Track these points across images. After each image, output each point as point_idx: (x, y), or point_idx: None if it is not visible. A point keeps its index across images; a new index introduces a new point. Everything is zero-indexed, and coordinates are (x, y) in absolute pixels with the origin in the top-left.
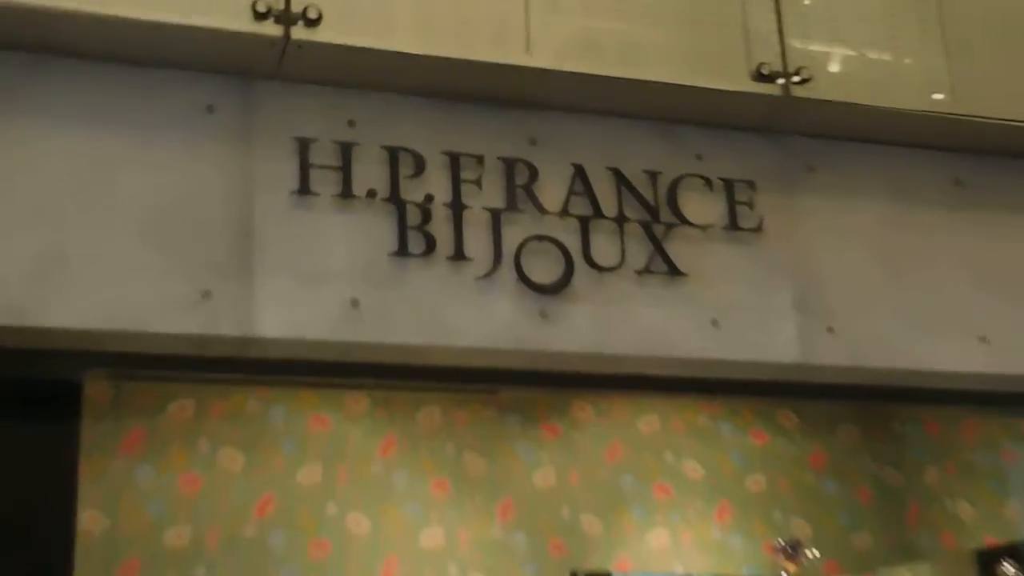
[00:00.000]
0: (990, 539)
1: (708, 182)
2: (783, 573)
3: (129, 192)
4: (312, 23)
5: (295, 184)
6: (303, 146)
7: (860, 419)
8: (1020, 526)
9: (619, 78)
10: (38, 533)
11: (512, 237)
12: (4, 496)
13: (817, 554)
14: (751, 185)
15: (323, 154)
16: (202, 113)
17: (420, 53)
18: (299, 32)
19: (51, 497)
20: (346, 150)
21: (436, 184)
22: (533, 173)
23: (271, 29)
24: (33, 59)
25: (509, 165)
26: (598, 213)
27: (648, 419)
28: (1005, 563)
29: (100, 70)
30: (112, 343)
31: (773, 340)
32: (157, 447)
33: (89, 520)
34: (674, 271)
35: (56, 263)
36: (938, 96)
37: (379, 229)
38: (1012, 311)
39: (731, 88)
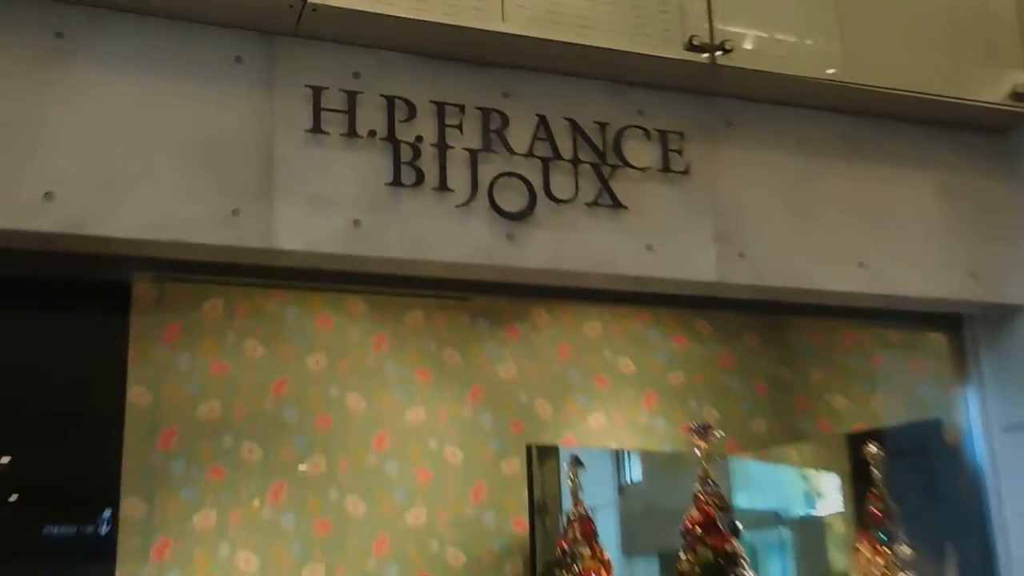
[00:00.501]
0: (859, 425)
1: (647, 132)
2: (696, 449)
3: (172, 127)
4: None
5: (309, 124)
6: (316, 93)
7: (761, 328)
8: (883, 416)
9: (577, 44)
10: (97, 405)
11: (486, 173)
12: (69, 376)
13: (722, 434)
14: (681, 136)
15: (332, 100)
16: (231, 63)
17: (415, 18)
18: None
19: (107, 376)
20: (351, 97)
21: (425, 127)
22: (505, 121)
23: None
24: (95, 13)
25: (485, 113)
26: (557, 155)
27: (592, 324)
28: (870, 444)
29: (150, 24)
30: (156, 251)
31: (695, 263)
32: (193, 338)
33: (137, 395)
34: (617, 204)
35: (112, 184)
36: (831, 70)
37: (378, 163)
38: (886, 243)
39: (668, 56)
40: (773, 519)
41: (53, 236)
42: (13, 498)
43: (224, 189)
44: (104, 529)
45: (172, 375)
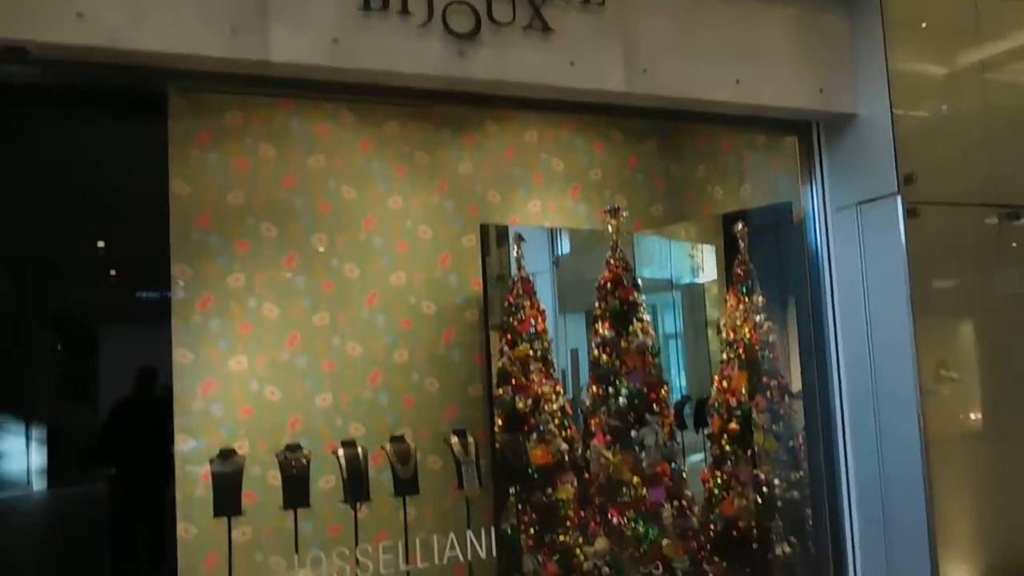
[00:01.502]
0: (730, 209)
1: None
2: (608, 226)
3: None
4: None
5: None
6: None
7: (660, 136)
8: (748, 201)
9: None
10: (143, 198)
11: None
12: (119, 174)
13: (628, 215)
14: None
15: None
16: None
17: None
18: None
19: (152, 172)
20: None
21: None
22: None
23: None
24: None
25: None
26: None
27: (531, 132)
28: (737, 223)
29: None
30: (176, 63)
31: (608, 76)
32: (219, 141)
33: (177, 187)
34: (547, 28)
35: (133, 5)
36: None
37: None
38: (756, 65)
39: None
40: (667, 285)
41: (86, 49)
42: (112, 272)
43: (228, 12)
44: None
45: (205, 171)
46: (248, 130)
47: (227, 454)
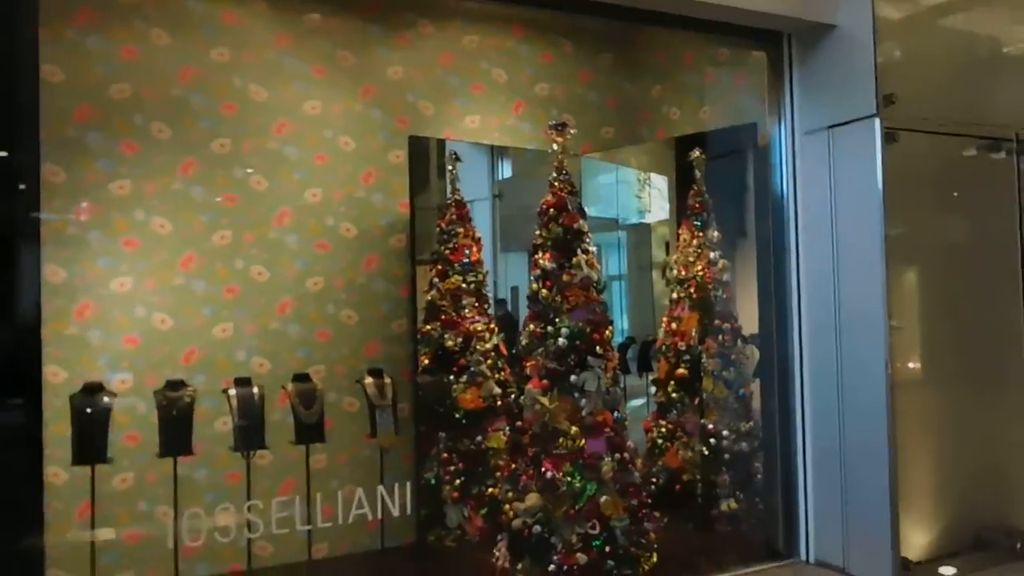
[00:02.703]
0: (688, 132)
1: None
2: (553, 144)
3: None
4: None
5: None
6: None
7: (615, 49)
8: (709, 124)
9: None
10: (10, 81)
11: None
12: None
13: (575, 131)
14: None
15: None
16: None
17: None
18: None
19: (19, 54)
20: None
21: None
22: None
23: None
24: None
25: None
26: None
27: (471, 38)
28: (694, 149)
29: None
30: None
31: None
32: (102, 23)
33: (48, 73)
34: None
35: None
36: None
37: None
38: None
39: None
40: (613, 224)
41: None
42: None
43: None
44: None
45: (83, 57)
46: (138, 11)
47: (92, 389)
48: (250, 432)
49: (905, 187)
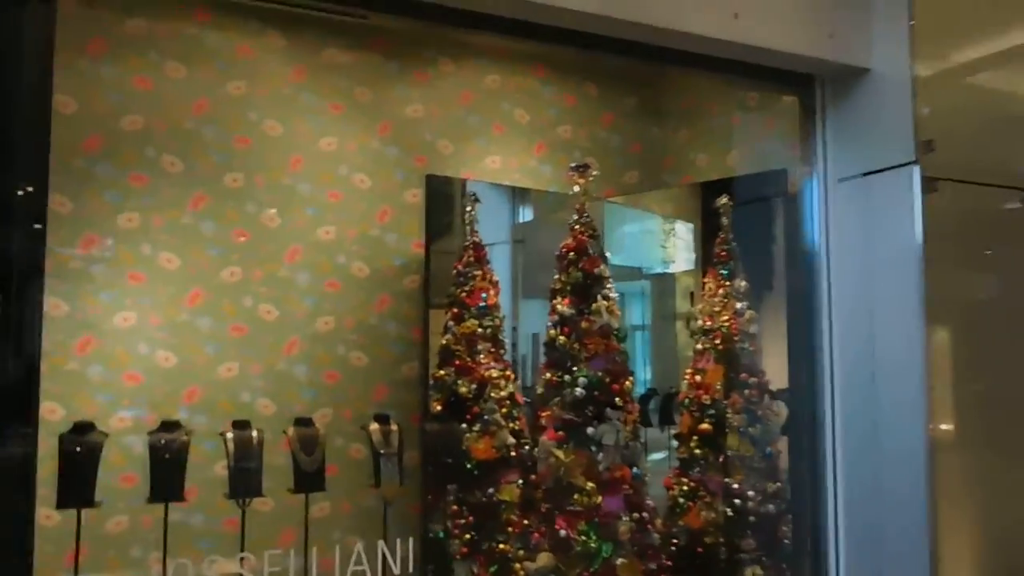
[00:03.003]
0: (714, 177)
1: None
2: (575, 186)
3: None
4: None
5: None
6: None
7: (640, 93)
8: (737, 170)
9: None
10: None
11: None
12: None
13: (598, 172)
14: None
15: None
16: None
17: None
18: None
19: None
20: None
21: None
22: None
23: None
24: None
25: None
26: None
27: (492, 77)
28: (722, 196)
29: None
30: None
31: None
32: (116, 53)
33: (61, 103)
34: None
35: None
36: None
37: None
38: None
39: None
40: (637, 274)
41: None
42: None
43: None
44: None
45: (96, 86)
46: (153, 43)
47: (83, 428)
48: (245, 478)
49: (943, 239)
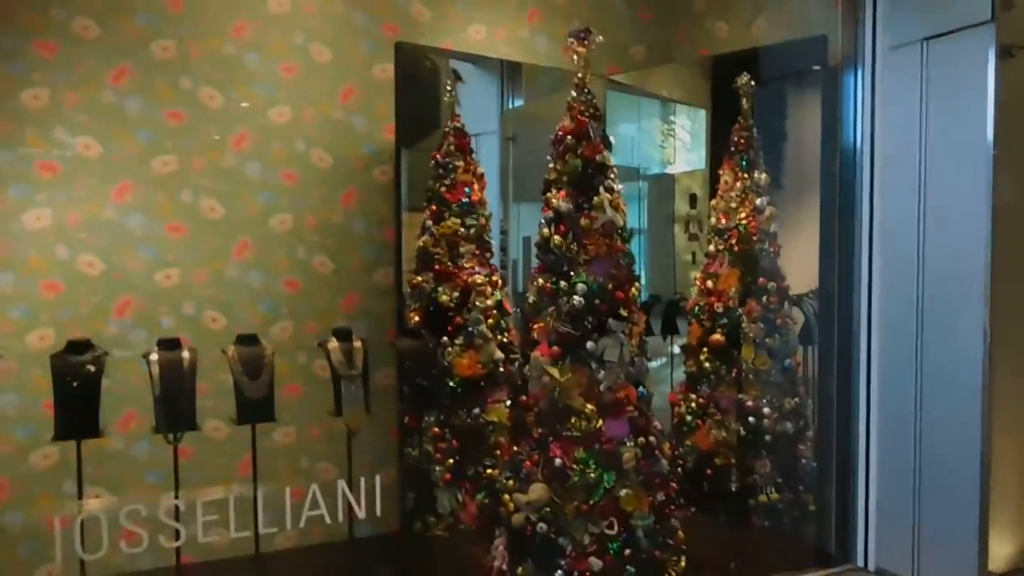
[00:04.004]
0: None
1: None
2: (574, 56)
3: None
4: None
5: None
6: None
7: None
8: (760, 40)
9: None
10: None
11: None
12: None
13: (601, 39)
14: None
15: None
16: None
17: None
18: None
19: None
20: None
21: None
22: None
23: None
24: None
25: None
26: None
27: None
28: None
29: None
30: None
31: None
32: None
33: None
34: None
35: None
36: None
37: None
38: None
39: None
40: (634, 174)
41: None
42: None
43: None
44: None
45: None
46: None
47: None
48: (175, 408)
49: (1018, 117)
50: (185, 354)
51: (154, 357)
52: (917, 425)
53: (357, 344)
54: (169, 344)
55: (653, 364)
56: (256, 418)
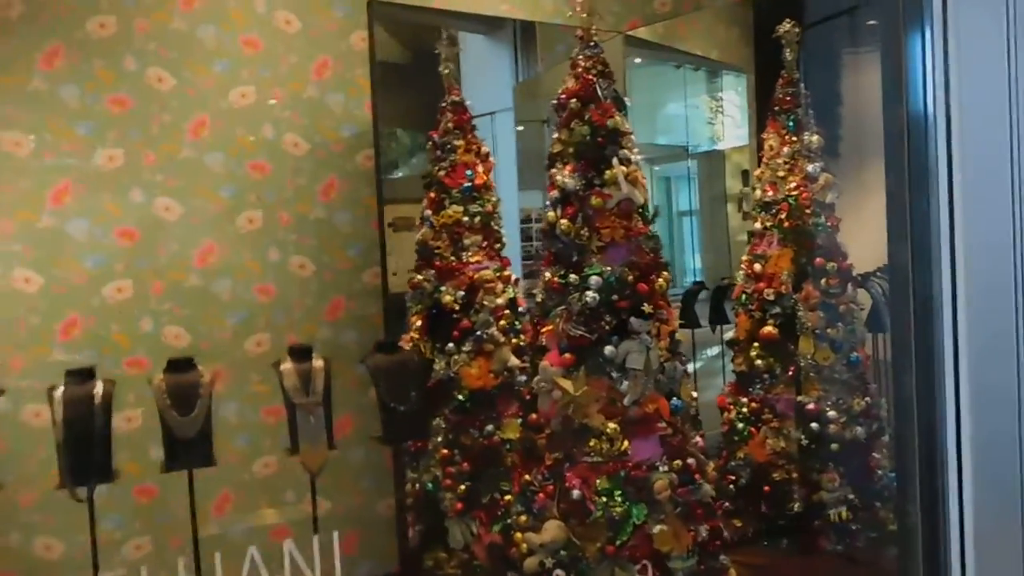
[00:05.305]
0: None
1: None
2: (576, 8)
3: None
4: None
5: None
6: None
7: None
8: None
9: None
10: None
11: None
12: None
13: None
14: None
15: None
16: None
17: None
18: None
19: None
20: None
21: None
22: None
23: None
24: None
25: None
26: None
27: None
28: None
29: None
30: None
31: None
32: None
33: None
34: None
35: None
36: None
37: None
38: None
39: None
40: (683, 153)
41: None
42: None
43: None
44: None
45: None
46: None
47: None
48: (82, 456)
49: None
50: (98, 386)
51: (57, 393)
52: (1020, 426)
53: (318, 364)
54: (80, 375)
55: (706, 354)
56: (190, 462)
